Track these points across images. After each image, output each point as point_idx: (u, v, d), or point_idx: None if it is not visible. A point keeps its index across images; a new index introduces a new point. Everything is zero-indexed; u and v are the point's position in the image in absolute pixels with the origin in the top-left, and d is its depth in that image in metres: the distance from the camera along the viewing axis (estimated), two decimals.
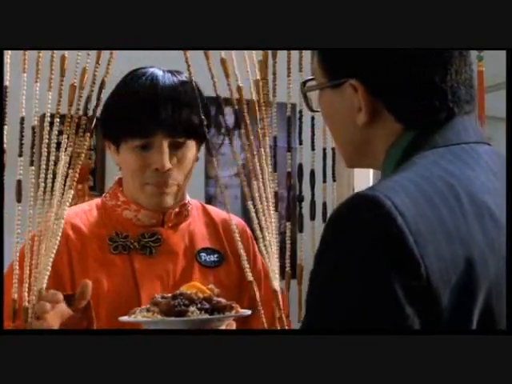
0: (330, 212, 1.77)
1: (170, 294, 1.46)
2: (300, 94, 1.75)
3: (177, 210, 1.76)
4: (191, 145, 1.72)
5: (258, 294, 1.61)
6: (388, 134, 1.11)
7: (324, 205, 1.83)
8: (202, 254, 1.76)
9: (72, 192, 1.57)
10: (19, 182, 1.53)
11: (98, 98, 1.60)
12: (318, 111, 1.23)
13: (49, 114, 1.53)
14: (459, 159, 1.05)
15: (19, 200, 1.52)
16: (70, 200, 1.56)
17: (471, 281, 0.96)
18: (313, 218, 1.82)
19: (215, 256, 1.77)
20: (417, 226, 0.95)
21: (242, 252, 1.61)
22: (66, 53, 1.53)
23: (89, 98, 1.58)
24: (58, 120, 1.52)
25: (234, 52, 1.68)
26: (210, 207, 1.89)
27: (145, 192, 1.71)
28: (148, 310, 1.44)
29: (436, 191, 0.99)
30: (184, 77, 1.72)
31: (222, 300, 1.48)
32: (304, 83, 1.24)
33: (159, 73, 1.70)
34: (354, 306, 0.94)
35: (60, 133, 1.54)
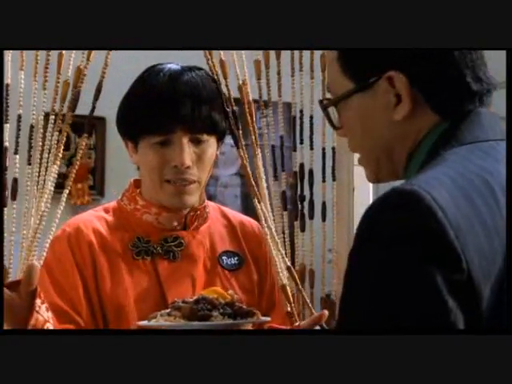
0: (329, 211, 1.81)
1: (191, 299, 1.45)
2: (300, 93, 1.78)
3: (198, 212, 1.72)
4: (211, 141, 1.68)
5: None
6: (421, 128, 1.10)
7: (323, 204, 1.84)
8: (224, 258, 1.73)
9: (67, 191, 1.57)
10: (15, 180, 1.53)
11: (96, 99, 1.60)
12: (340, 127, 1.18)
13: (42, 113, 1.54)
14: (488, 155, 1.04)
15: (14, 198, 1.52)
16: (64, 201, 1.56)
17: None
18: (311, 217, 1.82)
19: (235, 259, 1.74)
20: (456, 220, 0.94)
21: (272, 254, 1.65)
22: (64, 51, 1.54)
23: (77, 94, 1.57)
24: (54, 118, 1.53)
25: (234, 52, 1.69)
26: (226, 209, 1.86)
27: (164, 190, 1.66)
28: (169, 315, 1.42)
29: (473, 187, 0.98)
30: (203, 72, 1.69)
31: (243, 306, 1.47)
32: (321, 101, 1.20)
33: (177, 68, 1.67)
34: (397, 301, 0.93)
35: (59, 132, 1.55)
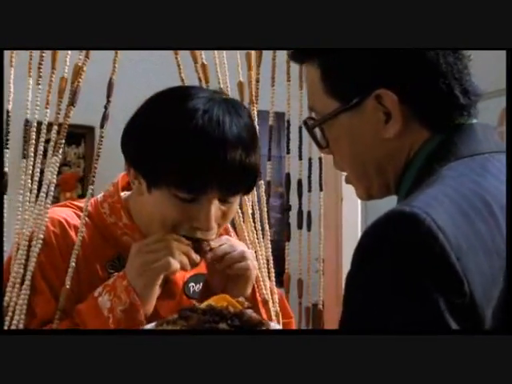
0: (315, 221, 1.82)
1: (201, 306, 1.38)
2: (287, 102, 1.79)
3: None
4: (238, 198, 1.47)
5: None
6: (412, 144, 1.09)
7: (309, 214, 1.84)
8: (191, 285, 1.56)
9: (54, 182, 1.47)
10: (4, 174, 1.45)
11: (109, 96, 1.49)
12: (327, 147, 1.15)
13: (38, 108, 1.48)
14: (486, 170, 1.03)
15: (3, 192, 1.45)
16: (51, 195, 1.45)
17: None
18: (300, 227, 1.83)
19: (201, 284, 1.57)
20: (457, 242, 0.92)
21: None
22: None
23: (77, 89, 1.48)
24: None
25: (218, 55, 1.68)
26: None
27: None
28: (175, 323, 1.34)
29: (471, 206, 0.97)
30: (244, 110, 1.45)
31: (253, 315, 1.38)
32: (305, 122, 1.17)
33: (224, 112, 1.38)
34: (398, 326, 0.92)
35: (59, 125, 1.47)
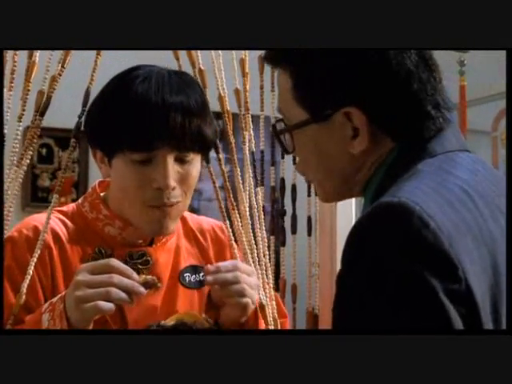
0: (314, 226, 1.82)
1: (168, 323, 1.38)
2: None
3: None
4: (196, 160, 1.50)
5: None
6: (381, 155, 1.09)
7: (309, 219, 1.84)
8: (186, 275, 1.57)
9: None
10: None
11: (85, 105, 1.51)
12: (293, 152, 1.16)
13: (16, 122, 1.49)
14: (459, 164, 1.04)
15: None
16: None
17: (497, 283, 0.96)
18: (294, 231, 1.83)
19: (201, 275, 1.56)
20: (447, 229, 0.93)
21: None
22: (37, 59, 1.51)
23: (48, 100, 1.51)
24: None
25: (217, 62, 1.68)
26: (186, 215, 1.66)
27: (144, 215, 1.48)
28: None
29: (454, 196, 0.97)
30: (190, 78, 1.54)
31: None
32: (274, 126, 1.17)
33: (165, 75, 1.47)
34: (400, 318, 0.92)
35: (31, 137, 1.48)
